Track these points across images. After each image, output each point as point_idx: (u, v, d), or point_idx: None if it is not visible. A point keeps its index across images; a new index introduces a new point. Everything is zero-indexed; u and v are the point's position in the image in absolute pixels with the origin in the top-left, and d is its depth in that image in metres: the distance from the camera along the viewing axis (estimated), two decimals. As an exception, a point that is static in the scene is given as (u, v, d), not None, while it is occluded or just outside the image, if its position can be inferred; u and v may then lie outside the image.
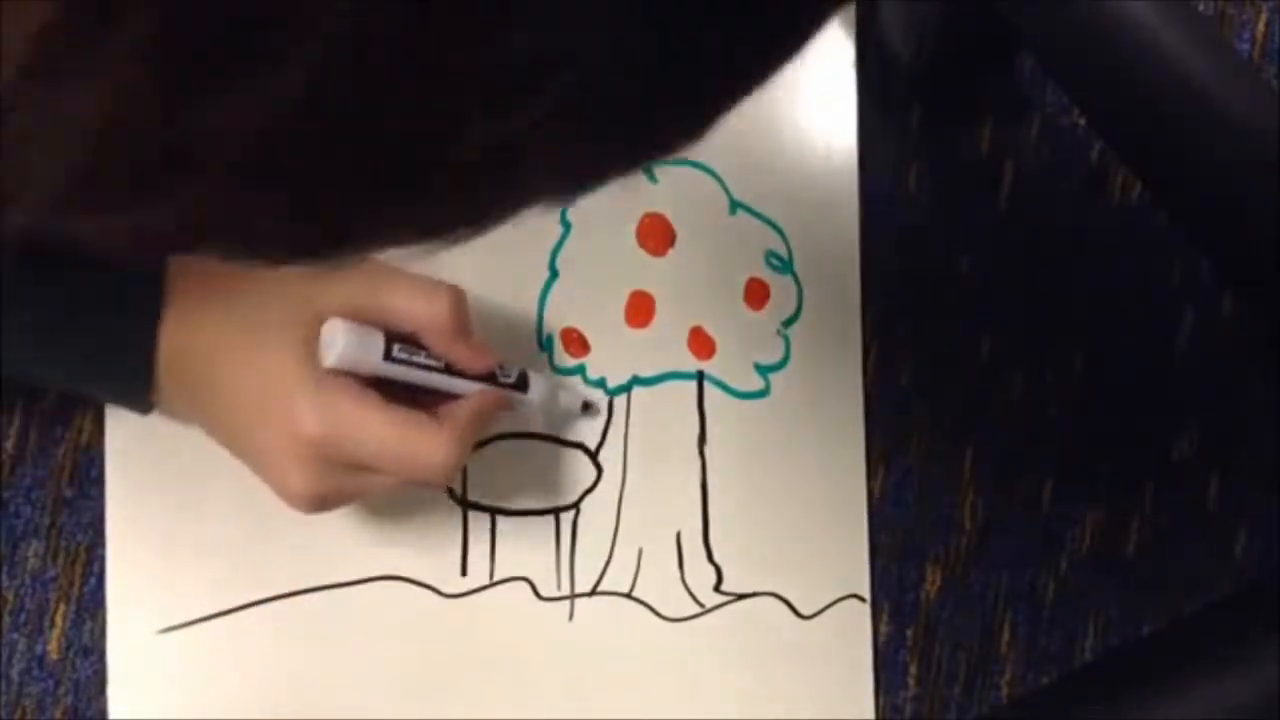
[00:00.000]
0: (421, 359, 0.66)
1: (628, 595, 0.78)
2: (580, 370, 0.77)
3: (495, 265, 0.76)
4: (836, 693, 0.80)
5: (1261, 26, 0.85)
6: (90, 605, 0.73)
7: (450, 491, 0.75)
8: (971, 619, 0.83)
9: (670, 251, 0.79)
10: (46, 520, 0.73)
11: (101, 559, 0.73)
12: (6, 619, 0.73)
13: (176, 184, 0.25)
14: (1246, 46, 0.84)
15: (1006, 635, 0.83)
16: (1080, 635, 0.84)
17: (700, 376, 0.79)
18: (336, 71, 0.23)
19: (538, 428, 0.76)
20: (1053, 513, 0.84)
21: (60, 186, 0.25)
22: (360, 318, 0.64)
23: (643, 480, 0.78)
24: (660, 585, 0.78)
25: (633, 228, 0.78)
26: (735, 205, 0.79)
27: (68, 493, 0.73)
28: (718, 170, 0.79)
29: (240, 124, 0.23)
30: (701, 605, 0.78)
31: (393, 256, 0.62)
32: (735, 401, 0.79)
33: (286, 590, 0.74)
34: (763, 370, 0.79)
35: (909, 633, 0.82)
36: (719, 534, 0.79)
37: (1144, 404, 0.85)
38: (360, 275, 0.64)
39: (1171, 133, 0.71)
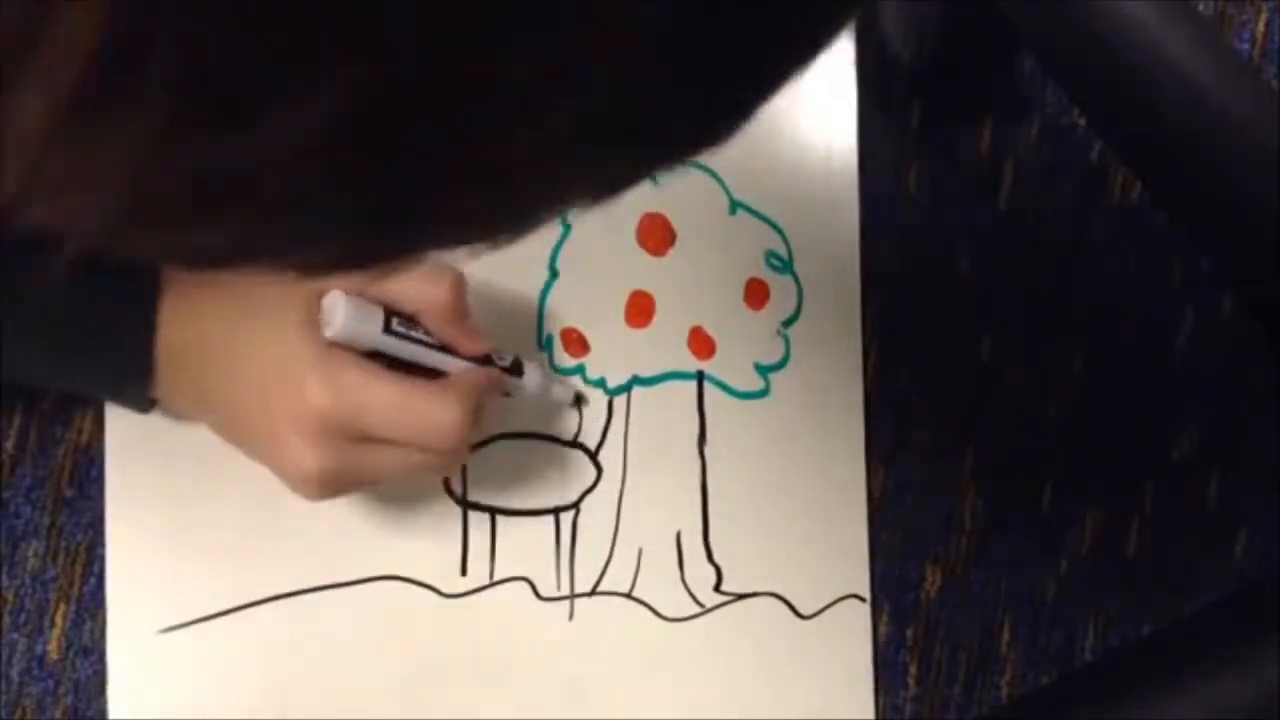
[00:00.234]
0: (420, 334, 0.66)
1: (628, 595, 0.78)
2: (580, 370, 0.77)
3: (495, 265, 0.76)
4: (836, 693, 0.80)
5: (1261, 26, 0.85)
6: (90, 605, 0.73)
7: (450, 491, 0.75)
8: (971, 619, 0.83)
9: (670, 251, 0.79)
10: (46, 520, 0.73)
11: (101, 559, 0.73)
12: (6, 619, 0.73)
13: (226, 209, 0.25)
14: (1246, 46, 0.84)
15: (1006, 635, 0.83)
16: (1080, 635, 0.84)
17: (700, 376, 0.79)
18: (377, 89, 0.23)
19: (531, 418, 0.76)
20: (1053, 513, 0.84)
21: (108, 220, 0.25)
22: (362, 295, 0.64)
23: (643, 480, 0.78)
24: (660, 585, 0.78)
25: (633, 228, 0.78)
26: (735, 205, 0.79)
27: (68, 493, 0.73)
28: (718, 170, 0.79)
29: (285, 145, 0.23)
30: (701, 605, 0.78)
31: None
32: (735, 401, 0.79)
33: (287, 590, 0.74)
34: (763, 370, 0.79)
35: (909, 633, 0.82)
36: (719, 534, 0.79)
37: (1144, 404, 0.85)
38: None
39: (1171, 133, 0.71)
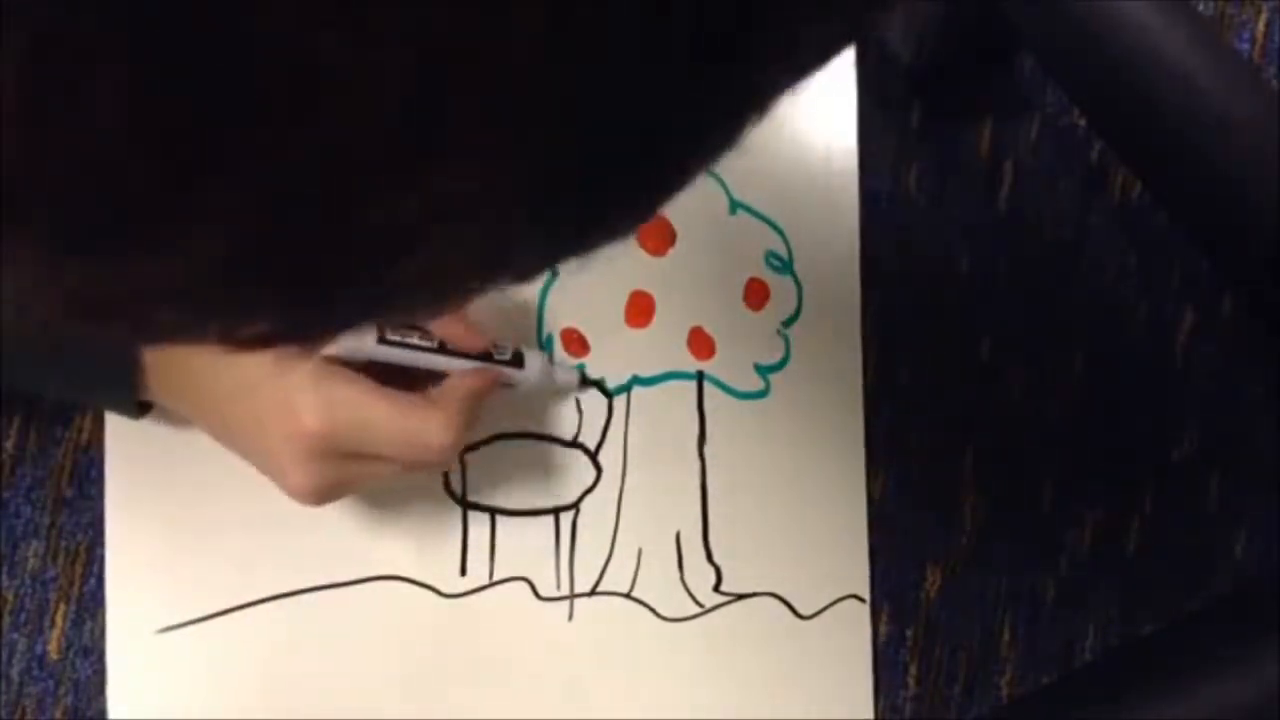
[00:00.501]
0: (415, 340, 0.66)
1: (627, 595, 0.78)
2: (580, 370, 0.77)
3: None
4: (836, 693, 0.80)
5: (1261, 26, 0.85)
6: (90, 605, 0.73)
7: (450, 491, 0.75)
8: (971, 619, 0.83)
9: (670, 251, 0.79)
10: (46, 520, 0.73)
11: (101, 559, 0.73)
12: (6, 619, 0.73)
13: (120, 319, 0.25)
14: (1246, 46, 0.84)
15: (1006, 635, 0.83)
16: (1080, 635, 0.84)
17: (700, 377, 0.79)
18: (265, 225, 0.22)
19: (531, 418, 0.76)
20: (1053, 513, 0.84)
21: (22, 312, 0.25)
22: None
23: (642, 480, 0.78)
24: (660, 585, 0.78)
25: (633, 228, 0.78)
26: (735, 205, 0.79)
27: (68, 493, 0.73)
28: (717, 170, 0.79)
29: (179, 271, 0.23)
30: (701, 605, 0.78)
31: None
32: (735, 402, 0.79)
33: (286, 590, 0.74)
34: (763, 370, 0.79)
35: (909, 633, 0.82)
36: (718, 534, 0.79)
37: (1144, 403, 0.85)
38: None
39: (1171, 133, 0.71)
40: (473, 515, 0.76)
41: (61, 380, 0.66)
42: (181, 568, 0.73)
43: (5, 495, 0.73)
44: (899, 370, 0.82)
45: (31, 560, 0.73)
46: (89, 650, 0.73)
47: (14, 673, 0.73)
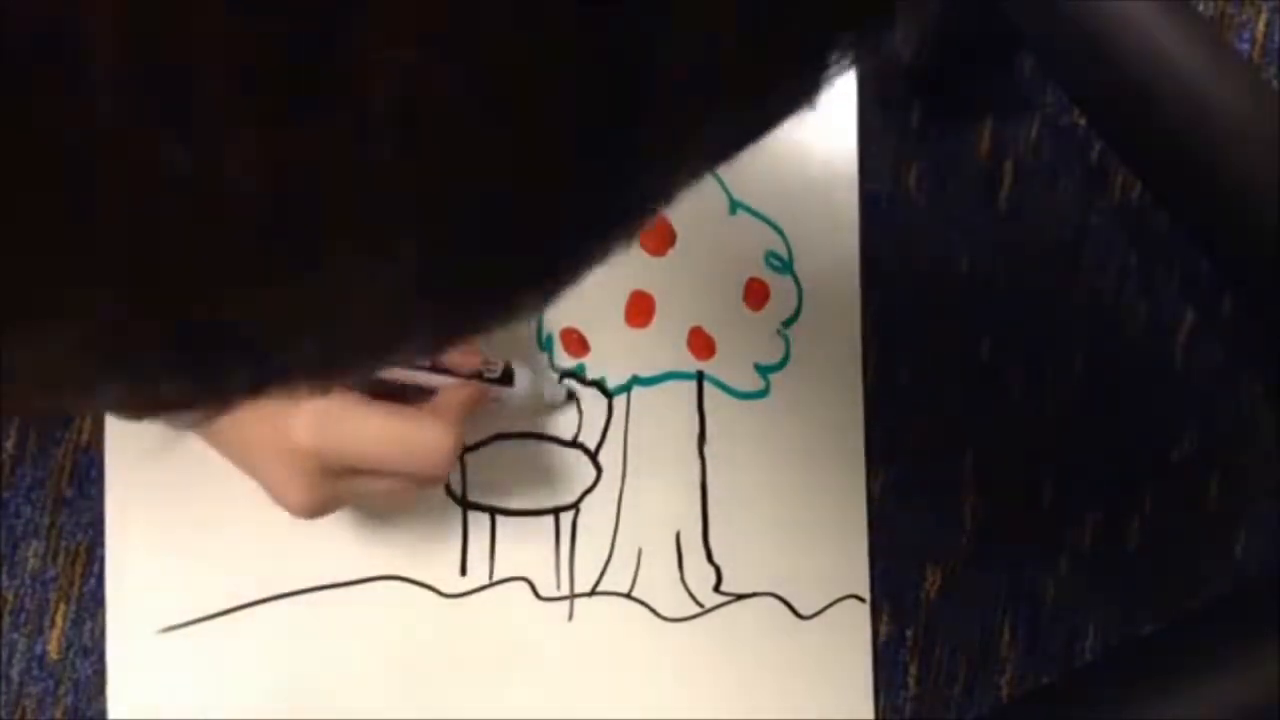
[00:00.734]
0: None
1: (627, 595, 0.78)
2: (580, 370, 0.77)
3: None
4: (835, 693, 0.80)
5: (1261, 26, 0.85)
6: (90, 605, 0.73)
7: (450, 491, 0.75)
8: (971, 619, 0.83)
9: (670, 251, 0.79)
10: (46, 520, 0.73)
11: (101, 559, 0.73)
12: (6, 619, 0.73)
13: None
14: (1246, 46, 0.84)
15: (1006, 635, 0.83)
16: (1080, 635, 0.84)
17: (700, 376, 0.79)
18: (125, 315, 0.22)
19: (523, 420, 0.76)
20: (1053, 513, 0.84)
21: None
22: None
23: (642, 480, 0.78)
24: (660, 585, 0.78)
25: (633, 227, 0.78)
26: (735, 205, 0.79)
27: (68, 493, 0.73)
28: (717, 170, 0.79)
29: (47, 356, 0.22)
30: (701, 605, 0.78)
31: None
32: (735, 402, 0.79)
33: (286, 590, 0.74)
34: (762, 370, 0.79)
35: (909, 633, 0.82)
36: (718, 534, 0.79)
37: (1144, 404, 0.84)
38: None
39: (1171, 133, 0.71)
40: (473, 515, 0.76)
41: None
42: (181, 568, 0.73)
43: (5, 495, 0.73)
44: (899, 370, 0.82)
45: (31, 560, 0.73)
46: (89, 650, 0.73)
47: (14, 673, 0.73)
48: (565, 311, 0.77)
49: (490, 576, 0.76)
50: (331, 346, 0.24)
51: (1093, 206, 0.84)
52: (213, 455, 0.71)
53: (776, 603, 0.79)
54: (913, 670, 0.82)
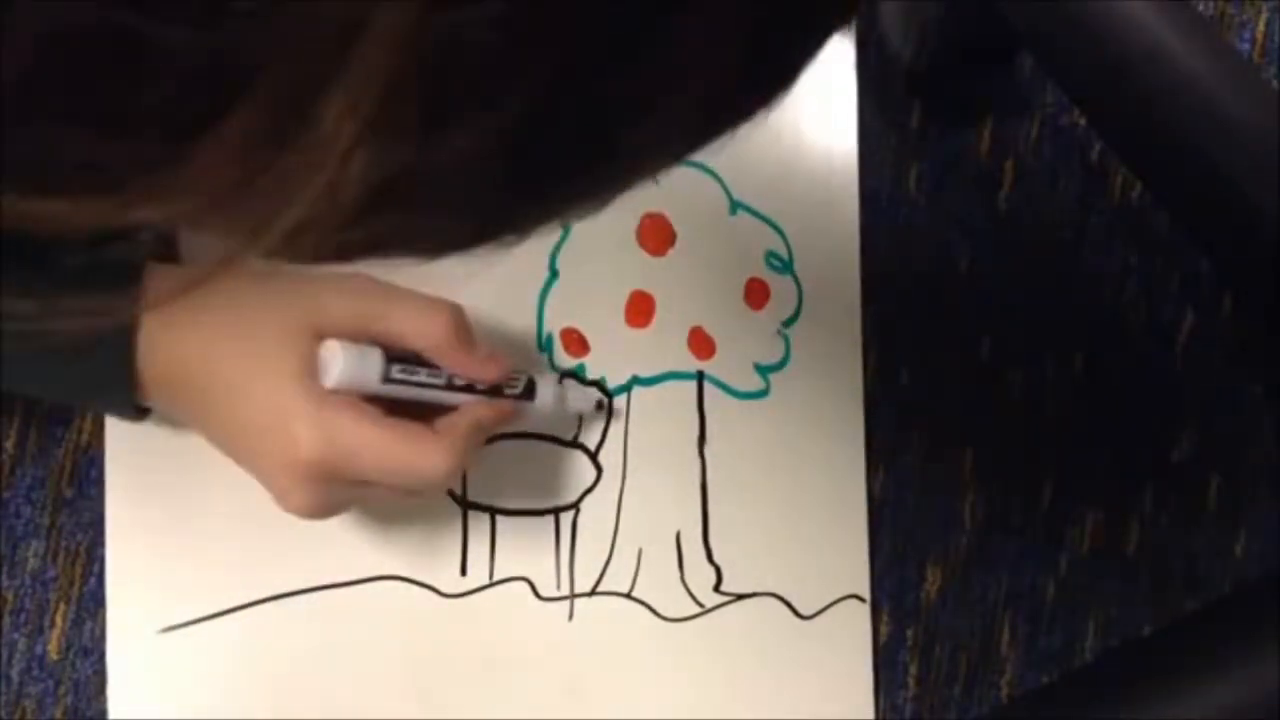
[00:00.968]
0: (422, 377, 0.65)
1: (627, 595, 0.78)
2: (580, 370, 0.77)
3: (495, 266, 0.76)
4: (836, 693, 0.80)
5: (1261, 26, 0.85)
6: (90, 605, 0.73)
7: (450, 491, 0.75)
8: (971, 619, 0.83)
9: (670, 251, 0.79)
10: (46, 520, 0.73)
11: (101, 559, 0.73)
12: (6, 619, 0.73)
13: (394, 206, 0.28)
14: (1246, 46, 0.84)
15: (1006, 635, 0.83)
16: (1080, 635, 0.84)
17: (700, 377, 0.79)
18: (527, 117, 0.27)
19: (545, 429, 0.76)
20: (1053, 513, 0.84)
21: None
22: (359, 338, 0.64)
23: (643, 480, 0.78)
24: (660, 585, 0.78)
25: (633, 228, 0.78)
26: (735, 205, 0.79)
27: (68, 493, 0.73)
28: (718, 170, 0.79)
29: (462, 151, 0.27)
30: (701, 605, 0.78)
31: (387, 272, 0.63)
32: (735, 402, 0.79)
33: (287, 590, 0.74)
34: (763, 370, 0.80)
35: (909, 633, 0.82)
36: (719, 534, 0.79)
37: (1144, 404, 0.85)
38: (358, 296, 0.65)
39: (1171, 133, 0.71)
40: (473, 515, 0.76)
41: (59, 388, 0.66)
42: (182, 568, 0.73)
43: (5, 495, 0.73)
44: (899, 370, 0.82)
45: (31, 560, 0.73)
46: (89, 650, 0.73)
47: (14, 673, 0.73)
48: (565, 311, 0.77)
49: (490, 576, 0.76)
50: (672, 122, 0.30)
51: (1093, 206, 0.84)
52: (213, 456, 0.71)
53: (777, 603, 0.79)
54: (913, 670, 0.83)
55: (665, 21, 0.27)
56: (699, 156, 0.33)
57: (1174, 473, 0.85)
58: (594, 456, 0.78)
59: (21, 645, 0.73)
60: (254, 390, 0.63)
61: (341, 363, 0.62)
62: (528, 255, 0.77)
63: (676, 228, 0.79)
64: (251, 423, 0.63)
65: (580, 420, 0.77)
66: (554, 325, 0.77)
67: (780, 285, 0.80)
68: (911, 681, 0.82)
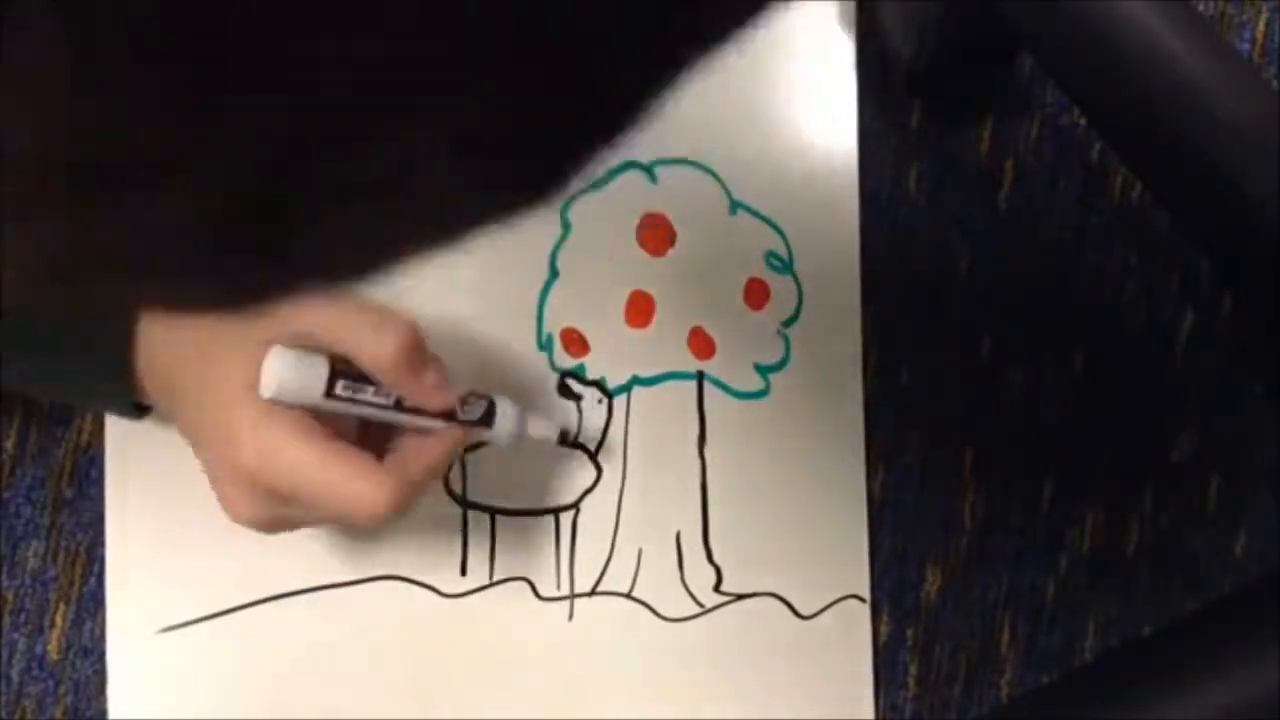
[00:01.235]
0: (368, 396, 0.63)
1: (627, 595, 0.78)
2: (580, 370, 0.77)
3: (495, 265, 0.76)
4: (836, 693, 0.80)
5: (1261, 26, 0.85)
6: (90, 605, 0.73)
7: (450, 491, 0.75)
8: (971, 619, 0.83)
9: (670, 251, 0.79)
10: (46, 520, 0.73)
11: (102, 559, 0.73)
12: (6, 619, 0.73)
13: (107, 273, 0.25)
14: (1246, 46, 0.84)
15: (1006, 635, 0.83)
16: (1080, 635, 0.84)
17: (700, 377, 0.79)
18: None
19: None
20: (1053, 513, 0.84)
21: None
22: (313, 350, 0.63)
23: (643, 480, 0.78)
24: (660, 585, 0.78)
25: (633, 228, 0.78)
26: (735, 205, 0.79)
27: (68, 493, 0.73)
28: (718, 170, 0.79)
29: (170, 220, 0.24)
30: (701, 605, 0.78)
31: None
32: (735, 402, 0.79)
33: (287, 590, 0.74)
34: (763, 370, 0.80)
35: (909, 633, 0.82)
36: (719, 534, 0.79)
37: (1144, 404, 0.85)
38: (313, 309, 0.62)
39: (1171, 133, 0.71)
40: (473, 515, 0.76)
41: (58, 385, 0.66)
42: (181, 568, 0.73)
43: (5, 495, 0.73)
44: (899, 370, 0.82)
45: (31, 560, 0.73)
46: (89, 650, 0.73)
47: (14, 673, 0.73)
48: (565, 311, 0.77)
49: (490, 576, 0.76)
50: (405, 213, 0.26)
51: (1093, 206, 0.84)
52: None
53: (777, 603, 0.79)
54: (913, 670, 0.82)
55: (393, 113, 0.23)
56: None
57: (1174, 473, 0.85)
58: (594, 457, 0.78)
59: (21, 645, 0.73)
60: (208, 396, 0.62)
61: (279, 373, 0.61)
62: (528, 255, 0.77)
63: (676, 228, 0.79)
64: (205, 428, 0.63)
65: (580, 420, 0.77)
66: (554, 325, 0.77)
67: (780, 285, 0.80)
68: (911, 681, 0.82)
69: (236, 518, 0.64)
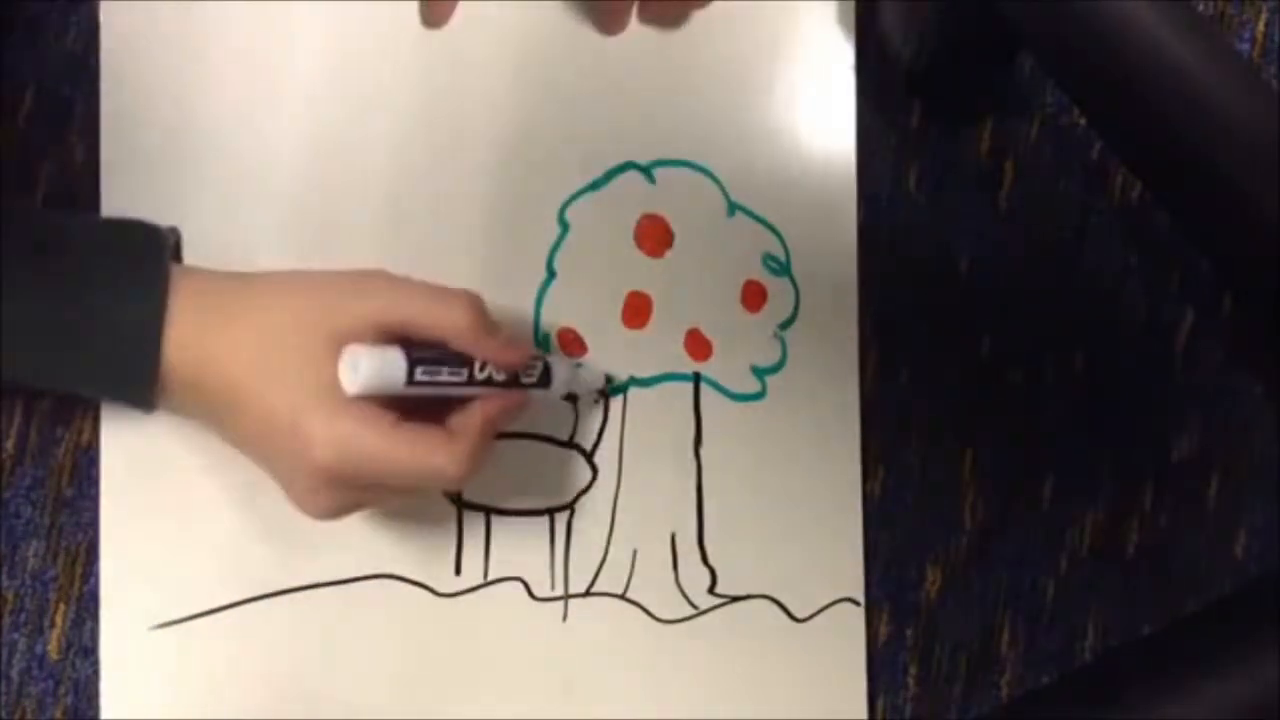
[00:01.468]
0: (444, 375, 0.65)
1: (622, 596, 0.78)
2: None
3: (493, 265, 0.76)
4: (830, 696, 0.80)
5: (1261, 26, 0.84)
6: (90, 605, 0.73)
7: (446, 491, 0.76)
8: (971, 619, 0.83)
9: (668, 253, 0.79)
10: (46, 520, 0.74)
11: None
12: (6, 619, 0.73)
13: None
14: (1246, 46, 0.84)
15: (1006, 635, 0.83)
16: (1080, 635, 0.84)
17: (697, 378, 0.79)
18: None
19: (529, 419, 0.76)
20: (1053, 513, 0.84)
21: None
22: (382, 334, 0.64)
23: (638, 481, 0.78)
24: (654, 587, 0.78)
25: (631, 229, 0.78)
26: (733, 207, 0.80)
27: (68, 493, 0.74)
28: (716, 172, 0.79)
29: None
30: (695, 607, 0.79)
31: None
32: (731, 404, 0.79)
33: (280, 587, 0.74)
34: (759, 373, 0.80)
35: (909, 633, 0.83)
36: (714, 536, 0.79)
37: (1144, 404, 0.84)
38: (378, 293, 0.65)
39: (1171, 133, 0.70)
40: (468, 515, 0.76)
41: (74, 375, 0.66)
42: (176, 564, 0.73)
43: (5, 495, 0.73)
44: (899, 370, 0.82)
45: (31, 560, 0.73)
46: (89, 650, 0.73)
47: (14, 673, 0.73)
48: (562, 311, 0.77)
49: (485, 576, 0.76)
50: None
51: (1093, 206, 0.84)
52: (207, 454, 0.71)
53: (771, 605, 0.79)
54: (913, 670, 0.83)
55: None
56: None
57: (1174, 473, 0.85)
58: (590, 457, 0.78)
59: (21, 645, 0.74)
60: (273, 395, 0.63)
61: (365, 369, 0.62)
62: (526, 255, 0.77)
63: (674, 229, 0.79)
64: (270, 427, 0.64)
65: (576, 419, 0.78)
66: (551, 325, 0.77)
67: (777, 287, 0.80)
68: (911, 682, 0.83)
69: (312, 511, 0.66)
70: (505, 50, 0.77)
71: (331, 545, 0.74)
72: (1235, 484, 0.85)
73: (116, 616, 0.73)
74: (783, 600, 0.79)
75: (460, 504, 0.76)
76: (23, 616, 0.74)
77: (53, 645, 0.74)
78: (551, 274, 0.77)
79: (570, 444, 0.77)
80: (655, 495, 0.78)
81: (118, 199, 0.72)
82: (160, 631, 0.73)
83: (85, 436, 0.74)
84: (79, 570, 0.74)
